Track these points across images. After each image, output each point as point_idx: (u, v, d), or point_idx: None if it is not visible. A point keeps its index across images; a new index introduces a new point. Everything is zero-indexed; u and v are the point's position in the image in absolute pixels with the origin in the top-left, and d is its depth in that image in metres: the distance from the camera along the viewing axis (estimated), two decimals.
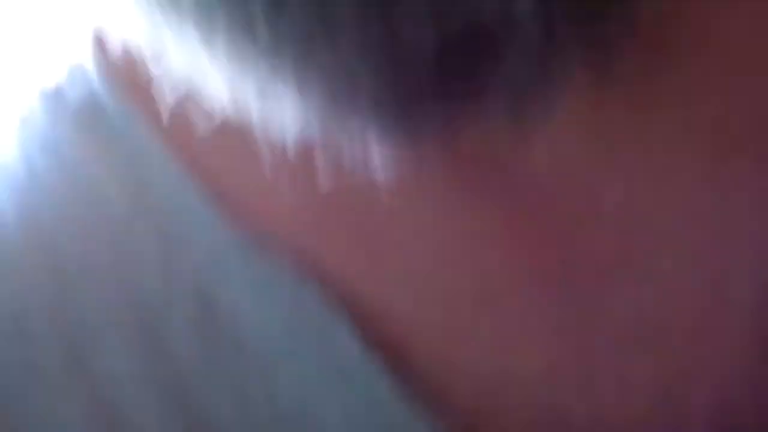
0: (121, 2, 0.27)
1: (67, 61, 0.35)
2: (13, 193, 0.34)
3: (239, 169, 0.31)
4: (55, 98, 0.34)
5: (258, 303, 0.30)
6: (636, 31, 0.25)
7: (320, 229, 0.29)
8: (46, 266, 0.33)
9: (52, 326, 0.32)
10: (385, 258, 0.29)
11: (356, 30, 0.22)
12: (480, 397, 0.28)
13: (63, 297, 0.32)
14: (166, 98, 0.29)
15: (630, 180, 0.27)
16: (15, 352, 0.31)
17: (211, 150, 0.31)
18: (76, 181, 0.33)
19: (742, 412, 0.28)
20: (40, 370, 0.31)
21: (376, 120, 0.24)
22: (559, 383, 0.28)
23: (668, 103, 0.27)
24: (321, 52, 0.23)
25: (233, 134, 0.28)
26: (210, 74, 0.25)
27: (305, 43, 0.23)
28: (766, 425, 0.29)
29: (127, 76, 0.32)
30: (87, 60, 0.34)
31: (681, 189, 0.28)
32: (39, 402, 0.30)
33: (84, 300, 0.32)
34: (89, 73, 0.33)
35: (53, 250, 0.33)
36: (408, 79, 0.23)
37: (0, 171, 0.34)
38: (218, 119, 0.28)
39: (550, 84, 0.24)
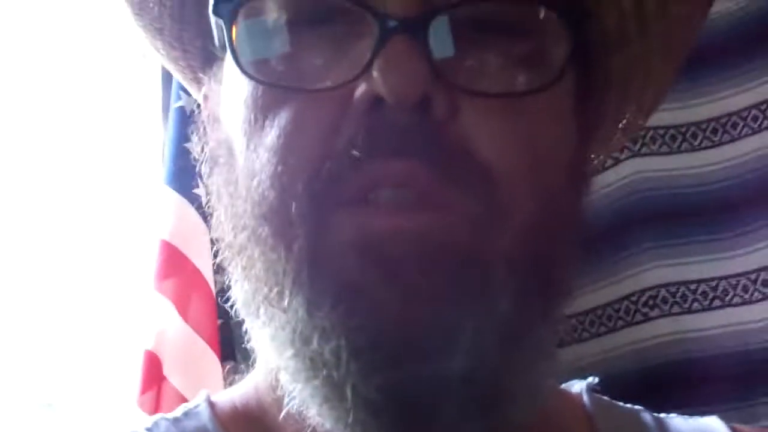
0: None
1: (185, 405, 0.57)
2: None
3: None
4: (176, 423, 0.54)
5: None
6: None
7: None
8: None
9: None
10: None
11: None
12: None
13: None
14: None
15: None
16: None
17: None
18: None
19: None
20: None
21: None
22: None
23: None
24: None
25: None
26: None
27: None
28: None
29: (228, 419, 0.55)
30: (202, 406, 0.56)
31: None
32: None
33: None
34: (202, 414, 0.55)
35: None
36: None
37: None
38: None
39: None
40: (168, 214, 1.53)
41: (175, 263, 1.48)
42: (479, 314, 0.45)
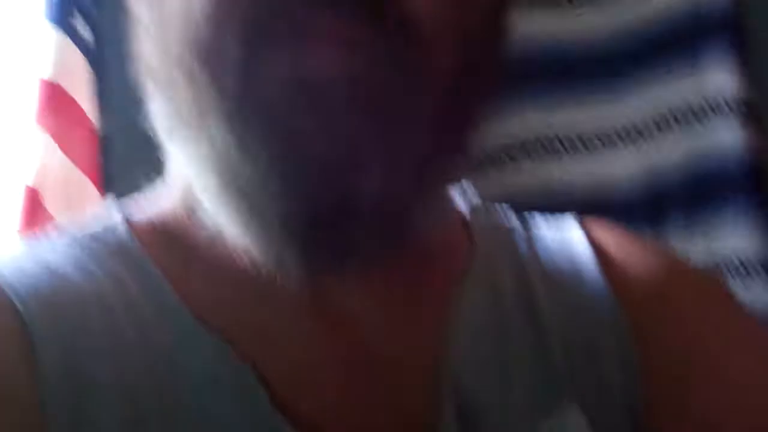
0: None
1: (101, 220, 0.58)
2: (54, 286, 0.54)
3: (210, 294, 0.55)
4: (96, 238, 0.56)
5: (212, 383, 0.52)
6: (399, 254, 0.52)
7: (257, 331, 0.54)
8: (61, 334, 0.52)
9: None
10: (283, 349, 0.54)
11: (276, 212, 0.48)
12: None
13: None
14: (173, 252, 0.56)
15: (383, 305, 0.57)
16: None
17: (199, 283, 0.55)
18: (98, 286, 0.54)
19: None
20: None
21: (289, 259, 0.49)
22: None
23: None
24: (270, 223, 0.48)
25: (215, 271, 0.54)
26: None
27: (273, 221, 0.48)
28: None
29: (146, 236, 0.57)
30: (119, 222, 0.58)
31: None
32: None
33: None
34: (120, 230, 0.57)
35: (67, 323, 0.52)
36: (293, 241, 0.49)
37: (45, 269, 0.54)
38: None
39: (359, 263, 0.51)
40: (49, 52, 1.51)
41: (57, 100, 1.47)
42: (399, 150, 0.48)
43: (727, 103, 1.55)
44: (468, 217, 0.64)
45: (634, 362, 0.58)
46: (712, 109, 1.56)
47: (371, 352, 0.56)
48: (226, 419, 0.52)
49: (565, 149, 1.62)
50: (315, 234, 0.49)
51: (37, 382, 0.50)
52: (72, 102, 1.48)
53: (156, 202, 0.60)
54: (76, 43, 1.52)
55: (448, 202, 0.63)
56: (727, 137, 1.55)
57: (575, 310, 0.60)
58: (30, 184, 1.43)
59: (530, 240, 0.64)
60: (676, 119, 1.58)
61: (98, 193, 1.47)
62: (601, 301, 0.60)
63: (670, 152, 1.57)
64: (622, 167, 1.59)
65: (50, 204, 1.42)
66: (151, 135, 0.54)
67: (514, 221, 0.66)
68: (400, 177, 0.49)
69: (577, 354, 0.59)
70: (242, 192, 0.48)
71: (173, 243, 0.57)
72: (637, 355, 0.59)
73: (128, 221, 0.59)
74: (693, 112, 1.58)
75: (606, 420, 0.57)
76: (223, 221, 0.51)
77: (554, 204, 1.55)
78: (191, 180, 0.52)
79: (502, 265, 0.61)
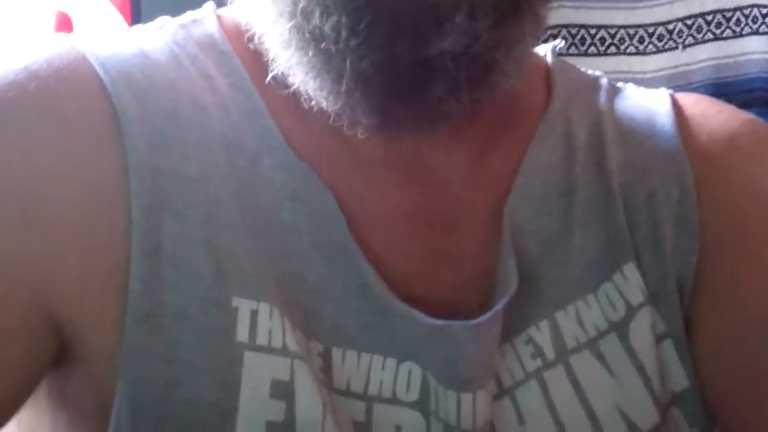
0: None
1: (191, 13, 0.58)
2: (147, 71, 0.54)
3: (294, 120, 0.54)
4: (184, 27, 0.55)
5: (291, 198, 0.53)
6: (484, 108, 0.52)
7: (331, 162, 0.54)
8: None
9: None
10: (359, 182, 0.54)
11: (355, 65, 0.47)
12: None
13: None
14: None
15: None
16: None
17: (283, 102, 0.54)
18: (190, 80, 0.54)
19: None
20: None
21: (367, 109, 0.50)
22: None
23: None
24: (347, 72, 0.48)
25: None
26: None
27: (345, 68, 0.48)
28: None
29: (232, 33, 0.56)
30: (209, 17, 0.57)
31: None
32: None
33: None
34: (209, 24, 0.56)
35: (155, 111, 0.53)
36: (378, 94, 0.49)
37: (140, 54, 0.55)
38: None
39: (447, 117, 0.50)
40: None
41: None
42: None
43: (761, 15, 1.55)
44: (550, 65, 0.64)
45: (693, 222, 0.58)
46: (746, 19, 1.56)
47: (441, 202, 0.56)
48: (303, 236, 0.53)
49: (594, 43, 1.61)
50: (391, 85, 0.49)
51: (124, 169, 0.51)
52: None
53: (241, 12, 0.59)
54: None
55: (530, 55, 0.61)
56: (756, 49, 1.54)
57: (643, 163, 0.60)
58: (61, 9, 1.42)
59: (612, 94, 0.64)
60: (708, 23, 1.57)
61: (127, 26, 1.45)
62: (671, 154, 0.60)
63: (698, 56, 1.57)
64: (648, 66, 1.59)
65: (79, 31, 1.42)
66: None
67: (603, 80, 0.65)
68: (480, 25, 0.48)
69: (639, 212, 0.58)
70: (319, 42, 0.48)
71: (256, 50, 0.56)
72: (697, 216, 0.58)
73: (217, 15, 0.58)
74: (726, 19, 1.57)
75: (657, 283, 0.57)
76: (290, 68, 0.51)
77: None
78: (265, 25, 0.52)
79: (579, 117, 0.61)
